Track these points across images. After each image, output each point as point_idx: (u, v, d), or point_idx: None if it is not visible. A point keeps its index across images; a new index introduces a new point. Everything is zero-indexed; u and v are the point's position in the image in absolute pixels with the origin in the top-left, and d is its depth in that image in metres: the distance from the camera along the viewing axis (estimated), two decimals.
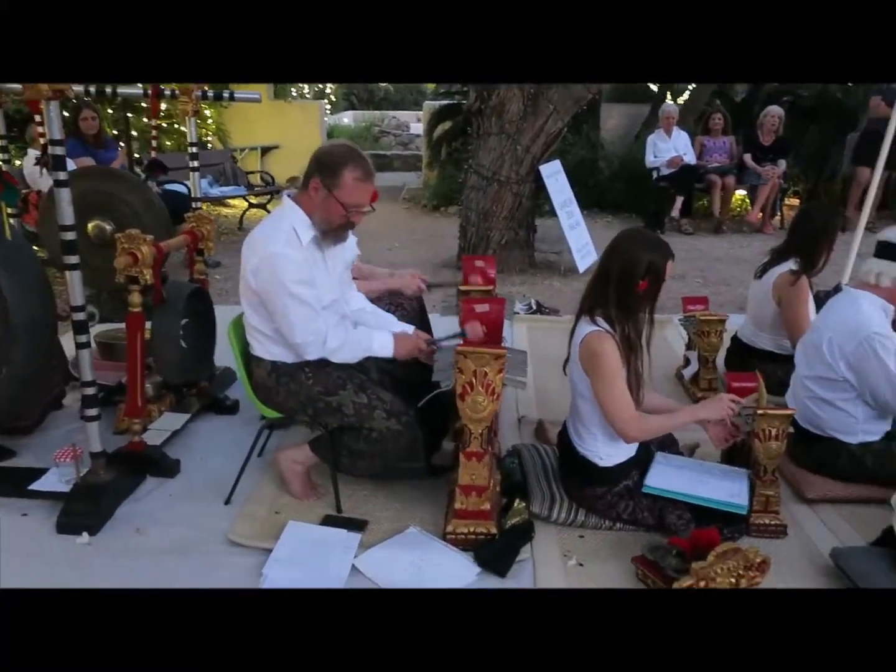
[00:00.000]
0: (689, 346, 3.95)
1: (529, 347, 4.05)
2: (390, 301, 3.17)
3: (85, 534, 2.42)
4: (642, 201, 8.38)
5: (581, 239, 6.28)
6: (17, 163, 5.05)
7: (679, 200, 7.81)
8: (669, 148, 7.85)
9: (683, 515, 2.40)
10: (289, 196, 2.54)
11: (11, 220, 2.39)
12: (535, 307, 5.07)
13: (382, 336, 2.58)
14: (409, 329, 2.73)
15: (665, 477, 2.46)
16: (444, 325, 3.24)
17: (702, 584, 2.08)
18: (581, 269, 5.98)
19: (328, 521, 2.51)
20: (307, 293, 2.42)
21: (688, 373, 3.78)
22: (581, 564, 2.32)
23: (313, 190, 2.44)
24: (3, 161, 3.10)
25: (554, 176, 6.27)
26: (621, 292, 2.32)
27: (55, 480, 2.60)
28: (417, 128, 14.73)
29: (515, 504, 2.50)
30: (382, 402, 2.49)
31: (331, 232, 2.49)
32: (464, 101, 8.60)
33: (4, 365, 2.47)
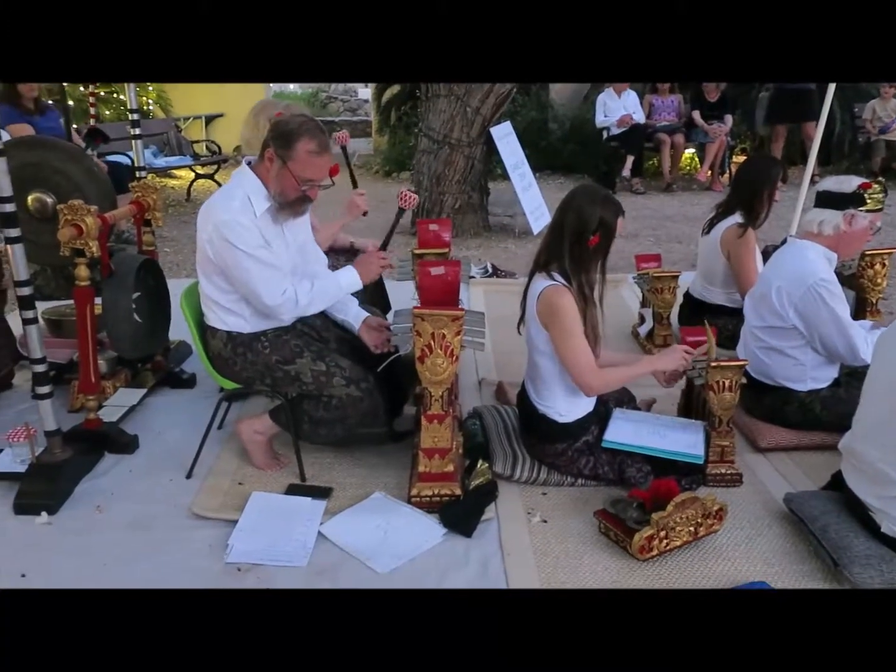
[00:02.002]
0: (643, 304, 4.00)
1: (486, 311, 4.05)
2: (347, 262, 3.15)
3: (44, 513, 2.37)
4: (593, 161, 8.42)
5: (534, 201, 6.29)
6: None
7: (629, 160, 7.86)
8: (619, 107, 7.88)
9: (643, 468, 2.45)
10: (248, 164, 2.48)
11: None
12: (490, 270, 5.08)
13: (346, 273, 2.56)
14: (364, 314, 2.70)
15: (624, 431, 2.51)
16: (400, 289, 3.24)
17: (662, 533, 2.13)
18: (535, 231, 6.00)
19: (292, 489, 2.51)
20: (266, 255, 2.39)
21: (643, 330, 3.84)
22: (545, 521, 2.36)
23: (268, 160, 2.39)
24: None
25: (505, 138, 6.25)
26: (574, 246, 2.35)
27: (9, 461, 2.54)
28: (366, 93, 14.52)
29: (478, 465, 2.52)
30: (341, 368, 2.48)
31: (287, 205, 2.44)
32: None
33: None
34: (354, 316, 2.67)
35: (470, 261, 4.95)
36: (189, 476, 2.61)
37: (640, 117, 7.93)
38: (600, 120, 7.98)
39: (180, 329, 2.98)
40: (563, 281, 2.35)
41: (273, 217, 2.46)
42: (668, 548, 2.17)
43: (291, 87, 16.43)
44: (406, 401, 2.85)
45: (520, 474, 2.54)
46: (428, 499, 2.40)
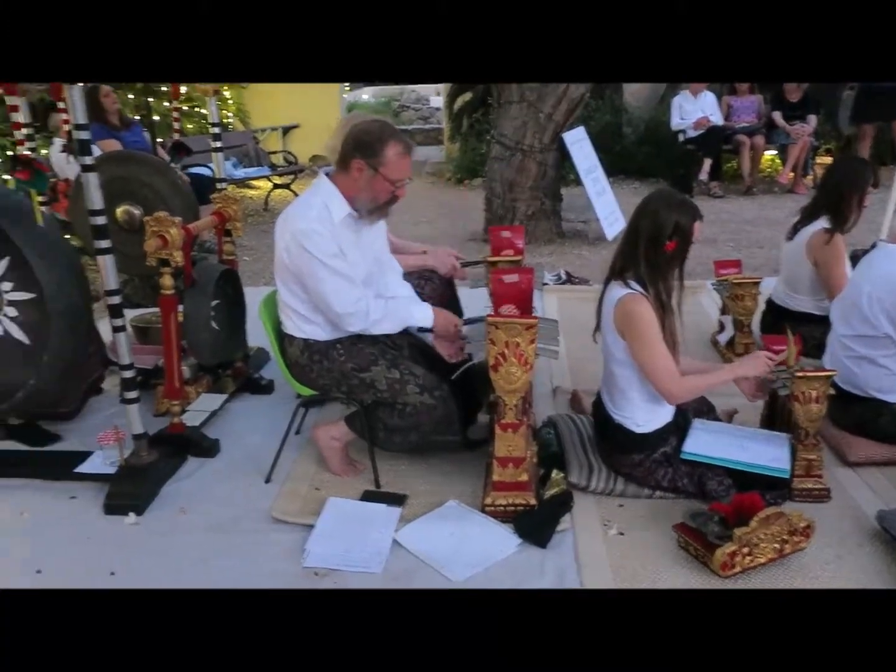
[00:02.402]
0: (723, 312, 3.89)
1: (560, 318, 4.01)
2: (420, 275, 3.17)
3: (132, 514, 2.47)
4: (669, 165, 8.25)
5: (608, 206, 6.20)
6: (44, 152, 5.09)
7: (707, 163, 7.66)
8: (696, 109, 7.69)
9: (724, 481, 2.38)
10: (326, 174, 2.53)
11: (43, 209, 2.40)
12: (564, 277, 5.03)
13: (422, 307, 2.59)
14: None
15: (704, 443, 2.44)
16: (473, 297, 3.24)
17: (745, 549, 2.06)
18: (609, 236, 5.91)
19: (368, 496, 2.53)
20: (341, 265, 2.42)
21: (723, 338, 3.74)
22: (622, 533, 2.32)
23: (356, 171, 2.42)
24: (31, 150, 3.12)
25: (578, 143, 6.18)
26: (650, 252, 2.31)
27: (100, 463, 2.65)
28: (437, 101, 14.60)
29: (553, 475, 2.49)
30: (415, 376, 2.49)
31: (377, 209, 2.49)
32: None
33: (44, 351, 2.50)
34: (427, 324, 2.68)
35: (543, 268, 4.91)
36: (268, 480, 2.67)
37: (717, 119, 7.73)
38: (676, 122, 7.81)
39: (259, 336, 3.05)
40: (639, 288, 2.30)
41: (353, 223, 2.50)
42: (751, 565, 2.10)
43: (365, 96, 16.67)
44: (480, 409, 2.84)
45: (595, 485, 2.50)
46: (502, 508, 2.39)
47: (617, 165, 8.34)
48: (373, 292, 2.61)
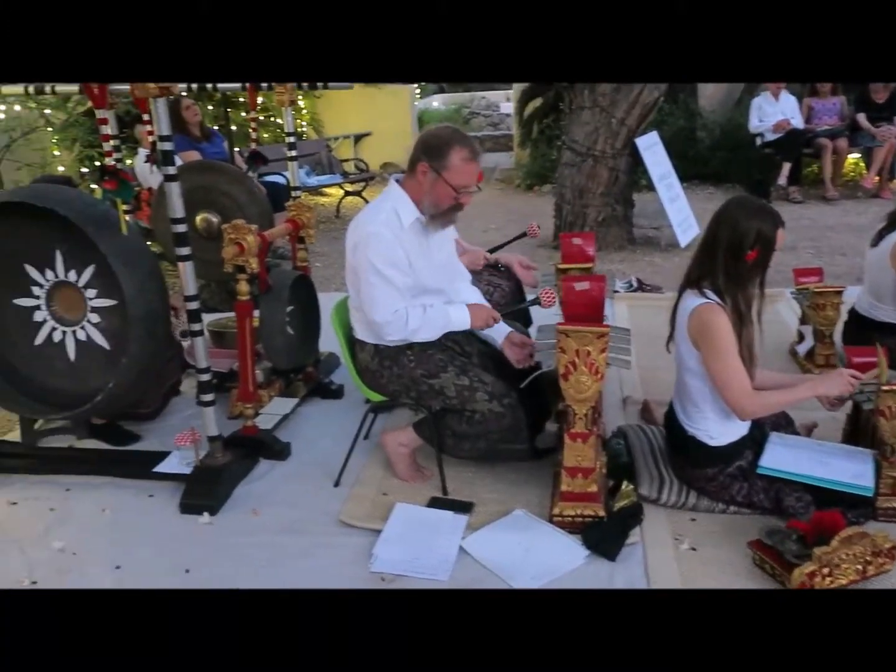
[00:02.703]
0: (802, 321, 3.76)
1: (631, 326, 3.94)
2: (489, 282, 3.17)
3: (206, 514, 2.54)
4: (746, 170, 8.02)
5: (682, 212, 6.08)
6: (129, 162, 5.30)
7: (786, 167, 7.42)
8: (776, 112, 7.46)
9: (803, 498, 2.29)
10: (396, 180, 2.56)
11: (127, 217, 2.50)
12: (635, 285, 4.95)
13: (458, 310, 2.56)
14: (507, 329, 2.70)
15: (781, 457, 2.36)
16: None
17: (825, 570, 1.98)
18: (683, 243, 5.79)
19: (435, 502, 2.54)
20: (394, 274, 2.44)
21: (802, 349, 3.61)
22: (694, 549, 2.26)
23: (421, 174, 2.44)
24: (116, 161, 3.25)
25: (651, 148, 6.08)
26: (730, 261, 2.24)
27: (177, 463, 2.74)
28: (508, 107, 14.59)
29: (623, 486, 2.45)
30: (484, 384, 2.49)
31: (440, 215, 2.50)
32: None
33: (124, 355, 2.60)
34: (497, 330, 2.68)
35: (614, 275, 4.84)
36: (337, 484, 2.70)
37: (798, 122, 7.48)
38: (754, 125, 7.59)
39: (330, 341, 3.10)
40: (716, 298, 2.24)
41: (422, 229, 2.52)
42: (831, 586, 2.01)
43: (435, 103, 16.78)
44: (549, 418, 2.82)
45: (667, 498, 2.45)
46: (570, 519, 2.36)
47: (691, 170, 8.16)
48: (441, 298, 2.62)
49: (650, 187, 6.18)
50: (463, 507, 2.50)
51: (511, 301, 3.15)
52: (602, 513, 2.35)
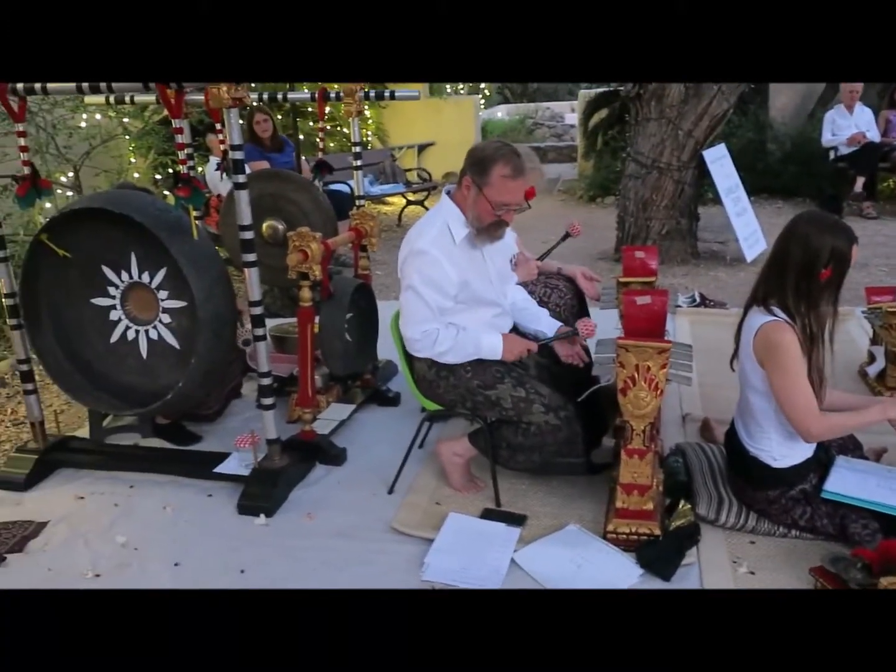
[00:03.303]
0: (874, 342, 3.63)
1: (693, 342, 3.87)
2: (546, 284, 3.14)
3: (262, 515, 2.59)
4: (817, 184, 7.80)
5: (749, 226, 5.94)
6: (200, 169, 5.46)
7: (860, 181, 7.18)
8: (850, 125, 7.24)
9: (869, 525, 2.21)
10: (447, 193, 2.57)
11: (197, 223, 2.57)
12: (698, 300, 4.85)
13: (491, 337, 2.53)
14: (557, 324, 2.70)
15: (848, 482, 2.27)
16: (603, 318, 3.18)
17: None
18: (749, 258, 5.66)
19: (488, 514, 2.53)
20: (431, 295, 2.45)
21: (873, 370, 3.48)
22: (752, 573, 2.20)
23: (465, 188, 2.46)
24: (189, 168, 3.34)
25: (718, 161, 5.97)
26: (801, 280, 2.17)
27: (236, 464, 2.80)
28: (572, 118, 14.52)
29: (680, 505, 2.40)
30: (541, 396, 2.47)
31: (483, 230, 2.49)
32: (621, 88, 8.36)
33: (193, 355, 2.67)
34: (548, 325, 2.68)
35: (677, 289, 4.76)
36: (391, 492, 2.72)
37: (874, 135, 7.24)
38: (827, 139, 7.38)
39: (389, 349, 3.13)
40: (784, 316, 2.18)
41: (471, 242, 2.52)
42: None
43: (499, 114, 16.80)
44: (606, 432, 2.78)
45: (725, 519, 2.39)
46: (624, 536, 2.33)
47: (760, 184, 7.98)
48: (496, 310, 2.62)
49: (717, 200, 6.07)
50: (516, 520, 2.49)
51: (569, 307, 3.12)
52: (657, 531, 2.31)
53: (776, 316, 2.19)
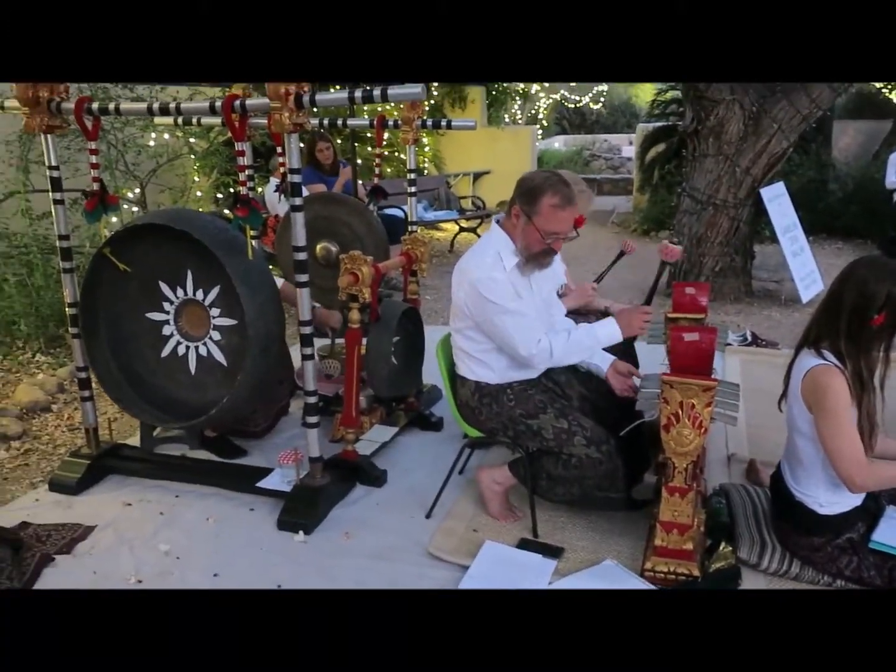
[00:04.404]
0: None
1: (742, 381, 3.82)
2: (596, 318, 3.14)
3: (301, 532, 2.62)
4: (880, 226, 7.63)
5: (805, 267, 5.84)
6: (260, 190, 5.61)
7: None
8: None
9: None
10: (497, 222, 2.60)
11: (253, 242, 2.64)
12: (750, 338, 4.78)
13: (606, 325, 2.55)
14: (611, 358, 2.69)
15: None
16: (650, 353, 3.15)
17: None
18: (805, 299, 5.55)
19: (524, 544, 2.52)
20: (520, 306, 2.47)
21: None
22: None
23: (515, 216, 2.49)
24: (249, 189, 3.45)
25: (777, 199, 5.89)
26: (854, 324, 2.13)
27: (278, 480, 2.84)
28: (629, 151, 14.51)
29: (721, 547, 2.36)
30: (583, 428, 2.47)
31: (532, 259, 2.51)
32: (679, 123, 8.34)
33: (239, 372, 2.73)
34: (601, 359, 2.66)
35: (728, 327, 4.69)
36: (428, 516, 2.73)
37: None
38: (891, 181, 7.20)
39: (433, 373, 3.15)
40: (835, 361, 2.13)
41: (520, 271, 2.54)
42: None
43: (556, 144, 16.87)
44: (647, 468, 2.75)
45: (767, 564, 2.33)
46: (662, 575, 2.29)
47: (819, 224, 7.85)
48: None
49: (773, 239, 5.98)
50: (552, 552, 2.47)
51: (617, 352, 3.10)
52: (696, 572, 2.27)
53: (826, 359, 2.14)
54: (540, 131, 13.95)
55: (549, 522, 2.66)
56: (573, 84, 14.94)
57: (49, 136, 2.77)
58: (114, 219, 4.63)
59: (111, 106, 2.70)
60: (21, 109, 2.71)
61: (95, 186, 2.82)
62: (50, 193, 2.84)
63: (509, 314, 2.45)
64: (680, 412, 2.19)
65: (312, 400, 2.73)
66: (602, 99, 16.88)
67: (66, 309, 2.97)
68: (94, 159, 2.82)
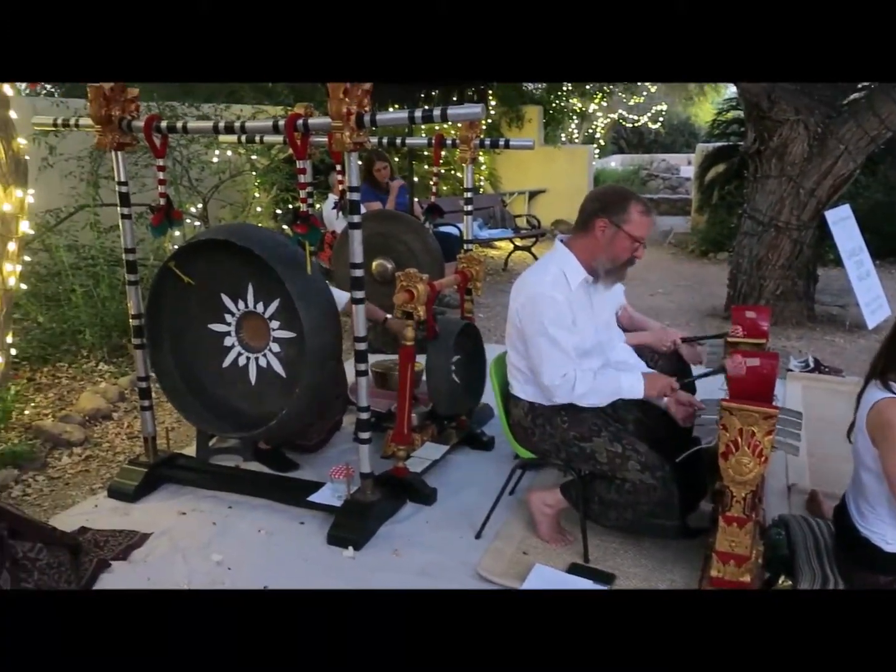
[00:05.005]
0: None
1: (804, 409, 3.71)
2: (652, 356, 3.10)
3: (350, 548, 2.63)
4: None
5: (871, 292, 5.66)
6: (318, 206, 5.70)
7: None
8: None
9: None
10: (561, 241, 2.59)
11: (311, 257, 2.68)
12: (812, 365, 4.64)
13: (631, 377, 2.52)
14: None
15: None
16: (709, 378, 3.09)
17: None
18: (870, 325, 5.38)
19: (575, 569, 2.48)
20: (563, 337, 2.44)
21: None
22: None
23: (599, 230, 2.47)
24: (308, 205, 3.51)
25: (842, 222, 5.74)
26: None
27: (329, 495, 2.86)
28: (688, 171, 14.33)
29: (780, 581, 2.28)
30: (637, 453, 2.42)
31: (616, 270, 2.52)
32: (740, 143, 8.20)
33: (297, 385, 2.77)
34: None
35: (789, 353, 4.57)
36: (478, 536, 2.71)
37: None
38: None
39: (485, 392, 3.14)
40: None
41: (586, 289, 2.53)
42: None
43: (613, 164, 16.78)
44: (703, 496, 2.68)
45: None
46: None
47: (887, 248, 7.61)
48: (600, 360, 2.60)
49: (838, 262, 5.82)
50: (603, 578, 2.42)
51: (675, 368, 3.05)
52: None
53: (893, 392, 2.06)
54: (597, 150, 13.88)
55: (601, 547, 2.61)
56: (631, 103, 14.85)
57: (119, 152, 2.87)
58: (177, 232, 4.75)
59: (179, 124, 2.79)
60: (94, 127, 2.81)
61: (162, 202, 2.90)
62: (118, 208, 2.94)
63: (546, 338, 2.43)
64: (739, 440, 2.13)
65: (365, 416, 2.74)
66: (661, 118, 16.73)
67: (130, 320, 3.05)
68: (161, 175, 2.90)
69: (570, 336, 2.46)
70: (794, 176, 5.52)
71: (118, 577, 2.49)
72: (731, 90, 11.97)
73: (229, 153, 6.24)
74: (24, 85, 4.97)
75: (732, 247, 6.30)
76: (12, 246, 3.76)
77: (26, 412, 3.79)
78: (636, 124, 16.65)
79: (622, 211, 2.44)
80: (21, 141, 3.71)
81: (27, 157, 3.79)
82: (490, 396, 2.89)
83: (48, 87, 7.77)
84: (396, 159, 8.01)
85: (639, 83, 13.82)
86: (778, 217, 5.62)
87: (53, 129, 3.09)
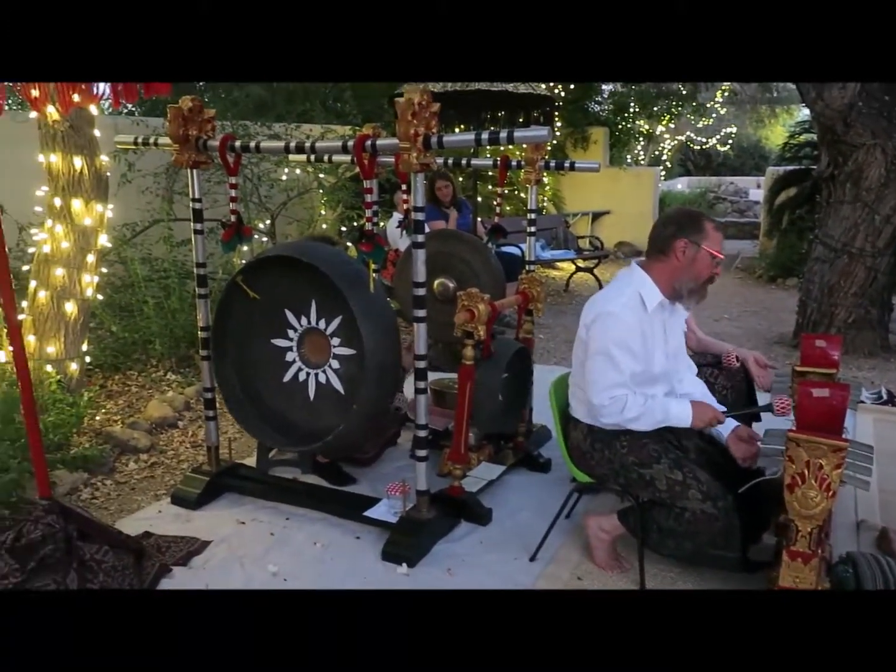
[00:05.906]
0: None
1: (875, 442, 3.57)
2: (712, 372, 3.05)
3: (404, 564, 2.63)
4: None
5: None
6: (382, 224, 5.79)
7: None
8: None
9: None
10: (637, 264, 2.58)
11: (374, 276, 2.72)
12: (885, 397, 4.47)
13: (680, 405, 2.48)
14: (734, 423, 2.57)
15: None
16: None
17: None
18: None
19: None
20: (624, 359, 2.42)
21: None
22: None
23: (680, 251, 2.46)
24: (373, 224, 3.57)
25: None
26: None
27: (385, 511, 2.88)
28: (757, 194, 14.05)
29: None
30: (699, 482, 2.37)
31: (699, 289, 2.51)
32: (813, 167, 8.00)
33: (355, 401, 2.80)
34: (725, 423, 2.55)
35: (861, 384, 4.41)
36: (533, 559, 2.69)
37: None
38: None
39: (543, 414, 3.12)
40: None
41: (662, 313, 2.52)
42: None
43: (679, 186, 16.57)
44: (767, 529, 2.60)
45: None
46: None
47: None
48: (665, 388, 2.56)
49: None
50: None
51: (736, 400, 2.99)
52: None
53: None
54: (663, 172, 13.73)
55: (658, 577, 2.56)
56: (700, 125, 14.66)
57: (195, 170, 2.97)
58: (244, 248, 4.89)
59: (252, 144, 2.87)
60: (172, 146, 2.92)
61: (233, 218, 2.99)
62: (192, 223, 3.04)
63: (606, 356, 2.41)
64: (806, 472, 2.07)
65: (423, 433, 2.76)
66: (730, 141, 16.46)
67: (199, 332, 3.14)
68: (233, 193, 2.99)
69: (631, 361, 2.43)
70: (870, 202, 5.36)
71: (178, 583, 2.55)
72: (804, 113, 11.72)
73: (298, 171, 6.39)
74: (106, 104, 5.21)
75: (802, 273, 6.14)
76: (91, 258, 3.93)
77: (97, 418, 3.93)
78: (704, 146, 16.43)
79: (699, 230, 2.44)
80: (103, 158, 3.89)
81: (108, 174, 3.96)
82: (549, 417, 2.87)
83: (129, 106, 8.10)
84: (461, 179, 8.07)
85: (708, 105, 13.65)
86: (851, 243, 5.45)
87: (134, 146, 3.21)
